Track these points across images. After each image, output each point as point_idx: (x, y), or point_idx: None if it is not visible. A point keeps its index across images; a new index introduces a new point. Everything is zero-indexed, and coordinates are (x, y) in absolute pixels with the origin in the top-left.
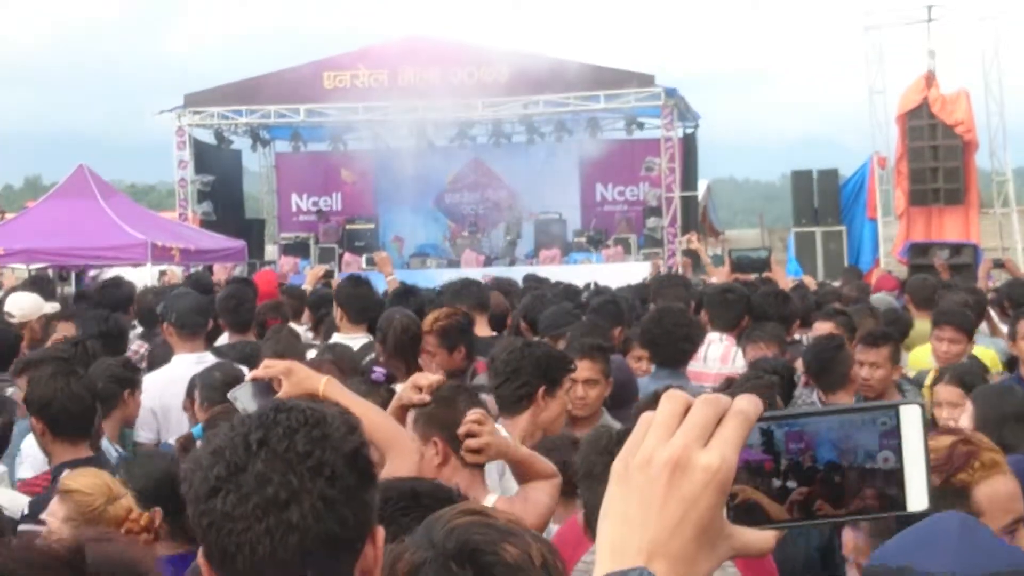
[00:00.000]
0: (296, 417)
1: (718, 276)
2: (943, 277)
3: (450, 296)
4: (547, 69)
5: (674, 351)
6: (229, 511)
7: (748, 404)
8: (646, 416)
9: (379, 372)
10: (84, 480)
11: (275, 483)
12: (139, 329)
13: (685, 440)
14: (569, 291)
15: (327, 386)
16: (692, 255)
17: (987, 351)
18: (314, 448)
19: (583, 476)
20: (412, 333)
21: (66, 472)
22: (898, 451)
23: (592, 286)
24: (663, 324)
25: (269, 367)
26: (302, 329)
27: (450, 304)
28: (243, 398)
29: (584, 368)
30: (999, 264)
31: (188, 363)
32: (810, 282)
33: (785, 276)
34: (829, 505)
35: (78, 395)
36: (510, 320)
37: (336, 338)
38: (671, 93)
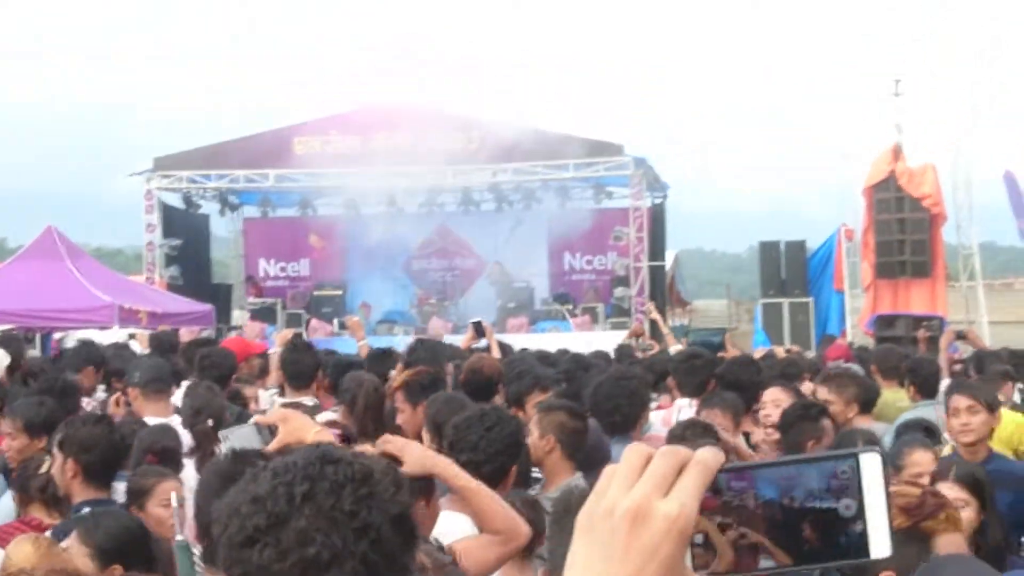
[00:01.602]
0: (343, 471)
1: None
2: (921, 350)
3: (420, 356)
4: (516, 137)
5: (618, 417)
6: (265, 564)
7: (708, 455)
8: (609, 469)
9: (334, 433)
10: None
11: (318, 543)
12: (101, 394)
13: (645, 490)
14: (544, 358)
15: (317, 435)
16: (651, 324)
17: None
18: (361, 508)
19: (550, 535)
20: (380, 395)
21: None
22: (859, 498)
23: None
24: (601, 392)
25: (269, 415)
26: (269, 393)
27: (423, 363)
28: (235, 440)
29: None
30: (961, 336)
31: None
32: (780, 352)
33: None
34: (792, 553)
35: (115, 444)
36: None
37: (281, 402)
38: (640, 163)
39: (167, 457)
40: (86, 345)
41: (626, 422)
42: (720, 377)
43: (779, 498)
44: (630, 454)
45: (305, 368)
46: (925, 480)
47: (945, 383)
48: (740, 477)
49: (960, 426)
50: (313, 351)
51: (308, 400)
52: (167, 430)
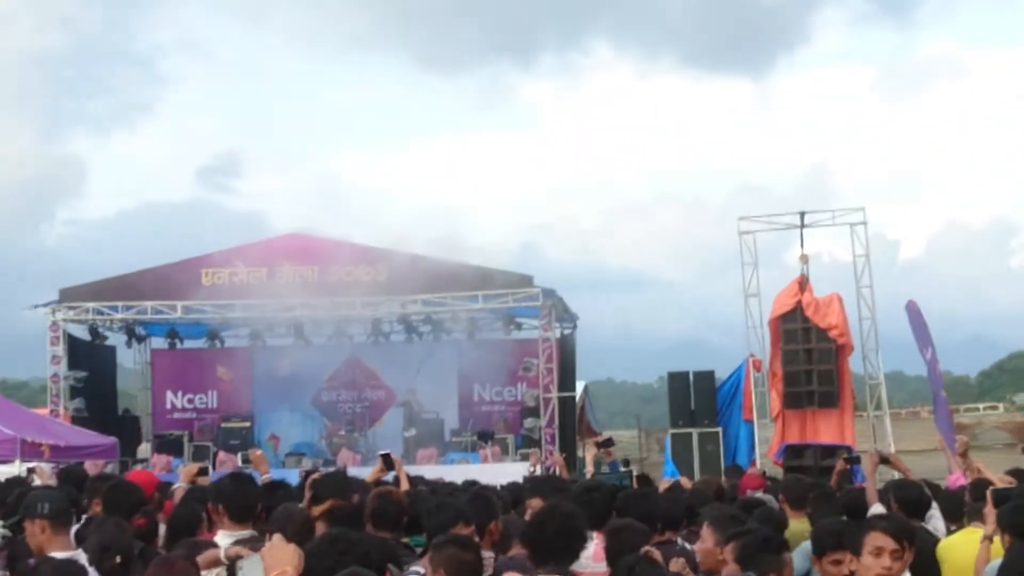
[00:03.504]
0: None
1: None
2: (833, 481)
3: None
4: (425, 269)
5: (557, 550)
6: None
7: None
8: None
9: None
10: None
11: None
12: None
13: None
14: (451, 489)
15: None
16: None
17: None
18: None
19: None
20: (310, 526)
21: None
22: None
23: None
24: (548, 523)
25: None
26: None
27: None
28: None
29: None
30: (883, 459)
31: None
32: (686, 483)
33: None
34: None
35: None
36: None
37: (219, 536)
38: (549, 294)
39: None
40: None
41: (570, 555)
42: (619, 510)
43: None
44: None
45: (245, 500)
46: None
47: (875, 509)
48: None
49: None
50: (254, 483)
51: (247, 534)
52: (73, 565)
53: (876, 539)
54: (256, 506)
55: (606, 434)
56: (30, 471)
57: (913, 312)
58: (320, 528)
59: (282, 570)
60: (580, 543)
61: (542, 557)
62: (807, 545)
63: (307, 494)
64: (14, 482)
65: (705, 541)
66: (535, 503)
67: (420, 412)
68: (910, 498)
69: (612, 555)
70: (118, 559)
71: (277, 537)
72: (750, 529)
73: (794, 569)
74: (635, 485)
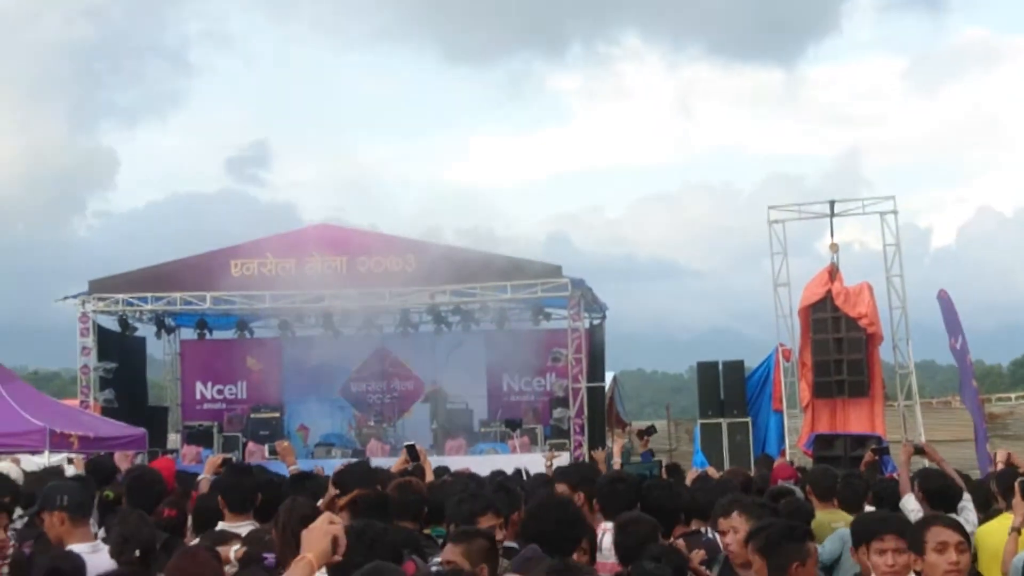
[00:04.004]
0: None
1: None
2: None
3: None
4: (454, 259)
5: (555, 542)
6: None
7: None
8: None
9: (270, 558)
10: None
11: None
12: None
13: None
14: (476, 480)
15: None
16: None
17: None
18: None
19: None
20: (309, 519)
21: None
22: None
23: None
24: (541, 516)
25: None
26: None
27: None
28: None
29: (454, 552)
30: (918, 449)
31: (84, 554)
32: (713, 473)
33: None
34: None
35: None
36: None
37: (221, 527)
38: (578, 284)
39: None
40: None
41: (567, 547)
42: (643, 500)
43: None
44: None
45: (243, 491)
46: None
47: (907, 500)
48: None
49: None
50: (252, 474)
51: (248, 526)
52: (69, 555)
53: (939, 534)
54: (255, 497)
55: (636, 424)
56: (69, 461)
57: (944, 301)
58: (345, 519)
59: (304, 555)
60: (579, 532)
61: (545, 548)
62: (845, 531)
63: (331, 487)
64: (52, 471)
65: (740, 531)
66: (561, 491)
67: (446, 403)
68: (935, 488)
69: (621, 549)
70: (137, 552)
71: (319, 519)
72: (772, 521)
73: (829, 554)
74: (664, 475)
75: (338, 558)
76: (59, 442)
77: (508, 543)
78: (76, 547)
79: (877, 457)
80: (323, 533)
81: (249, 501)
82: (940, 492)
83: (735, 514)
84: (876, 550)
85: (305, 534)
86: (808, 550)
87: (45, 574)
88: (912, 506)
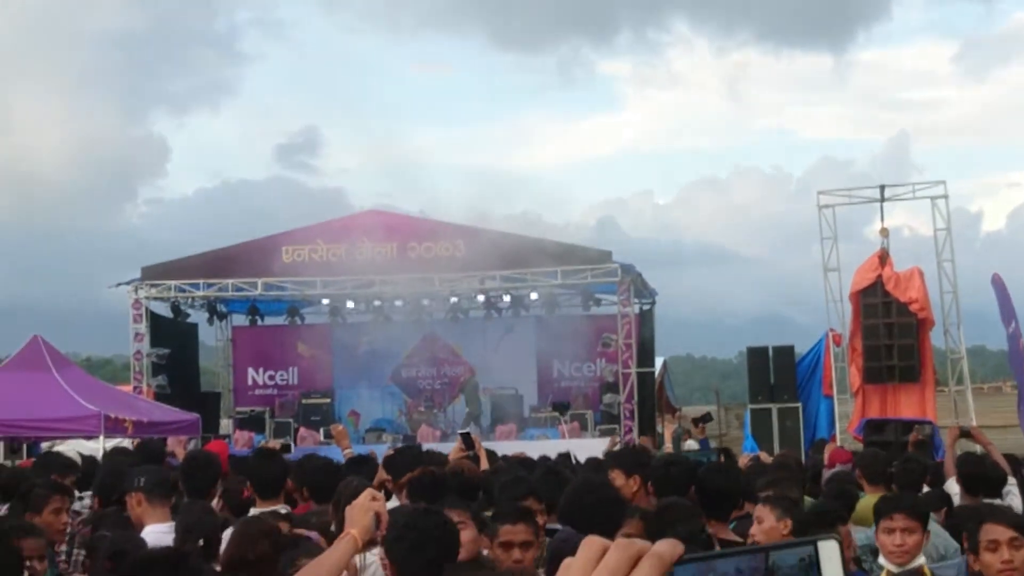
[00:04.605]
0: None
1: None
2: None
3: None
4: (504, 245)
5: (593, 524)
6: None
7: (664, 547)
8: (567, 562)
9: (315, 536)
10: None
11: None
12: (85, 500)
13: None
14: (525, 464)
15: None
16: (652, 432)
17: None
18: None
19: None
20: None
21: None
22: None
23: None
24: (585, 497)
25: None
26: None
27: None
28: None
29: (519, 531)
30: (965, 433)
31: (160, 533)
32: (765, 458)
33: None
34: None
35: None
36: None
37: (252, 513)
38: (627, 269)
39: None
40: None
41: (604, 530)
42: (700, 484)
43: None
44: (585, 548)
45: (271, 476)
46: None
47: (950, 484)
48: (700, 567)
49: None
50: (279, 458)
51: (281, 508)
52: (132, 537)
53: (989, 532)
54: (283, 481)
55: (687, 410)
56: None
57: (998, 285)
58: (402, 498)
59: (348, 532)
60: (617, 514)
61: (585, 531)
62: None
63: (381, 471)
64: (120, 451)
65: (764, 521)
66: (616, 476)
67: (477, 390)
68: (973, 473)
69: (652, 536)
70: (201, 541)
71: (362, 496)
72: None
73: (872, 539)
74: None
75: (380, 533)
76: (113, 427)
77: (551, 525)
78: (153, 527)
79: (919, 437)
80: (366, 510)
81: (276, 486)
82: (978, 477)
83: (760, 505)
84: (884, 529)
85: (348, 511)
86: (839, 534)
87: (109, 556)
88: (955, 490)
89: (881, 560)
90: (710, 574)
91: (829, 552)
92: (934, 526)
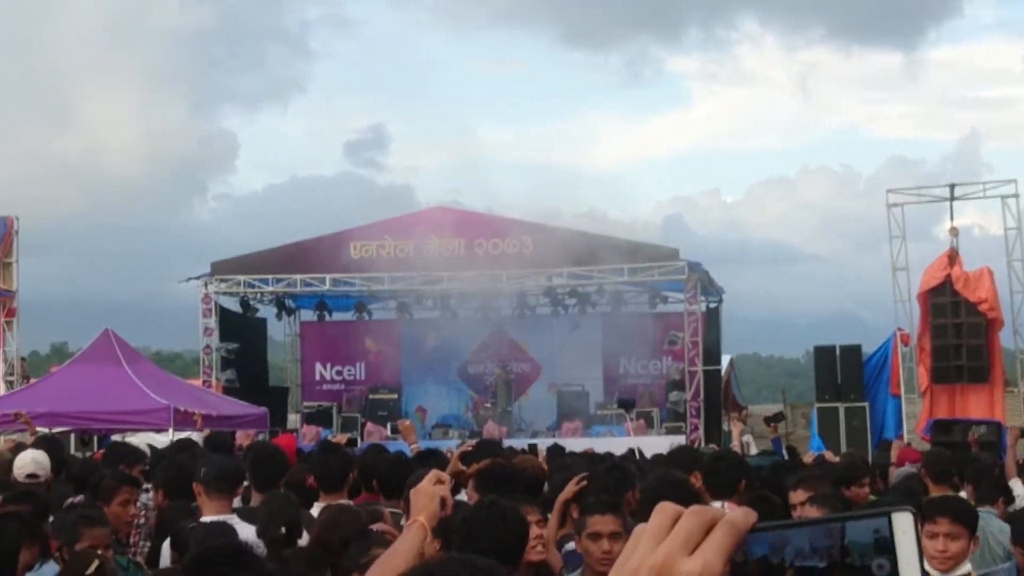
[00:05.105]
0: None
1: None
2: (974, 451)
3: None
4: (571, 242)
5: None
6: None
7: (738, 515)
8: (639, 528)
9: (379, 527)
10: None
11: None
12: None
13: (670, 549)
14: (594, 459)
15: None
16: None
17: None
18: None
19: None
20: None
21: None
22: (892, 558)
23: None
24: (662, 492)
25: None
26: None
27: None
28: None
29: (608, 522)
30: None
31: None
32: (831, 457)
33: None
34: None
35: None
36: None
37: (316, 507)
38: (694, 267)
39: None
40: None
41: None
42: (749, 477)
43: (833, 568)
44: (657, 514)
45: (334, 470)
46: None
47: (1013, 484)
48: (772, 536)
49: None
50: (343, 452)
51: (345, 502)
52: (223, 525)
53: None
54: (346, 475)
55: (754, 408)
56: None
57: None
58: (470, 487)
59: (414, 519)
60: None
61: None
62: None
63: (456, 463)
64: (184, 444)
65: (797, 511)
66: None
67: (510, 390)
68: None
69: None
70: (283, 529)
71: (425, 480)
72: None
73: None
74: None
75: (447, 512)
76: (183, 421)
77: None
78: (208, 519)
79: (976, 437)
80: (431, 495)
81: (341, 480)
82: None
83: (808, 505)
84: (927, 533)
85: (412, 495)
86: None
87: (174, 546)
88: (1019, 490)
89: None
90: (784, 547)
91: (904, 524)
92: (997, 522)
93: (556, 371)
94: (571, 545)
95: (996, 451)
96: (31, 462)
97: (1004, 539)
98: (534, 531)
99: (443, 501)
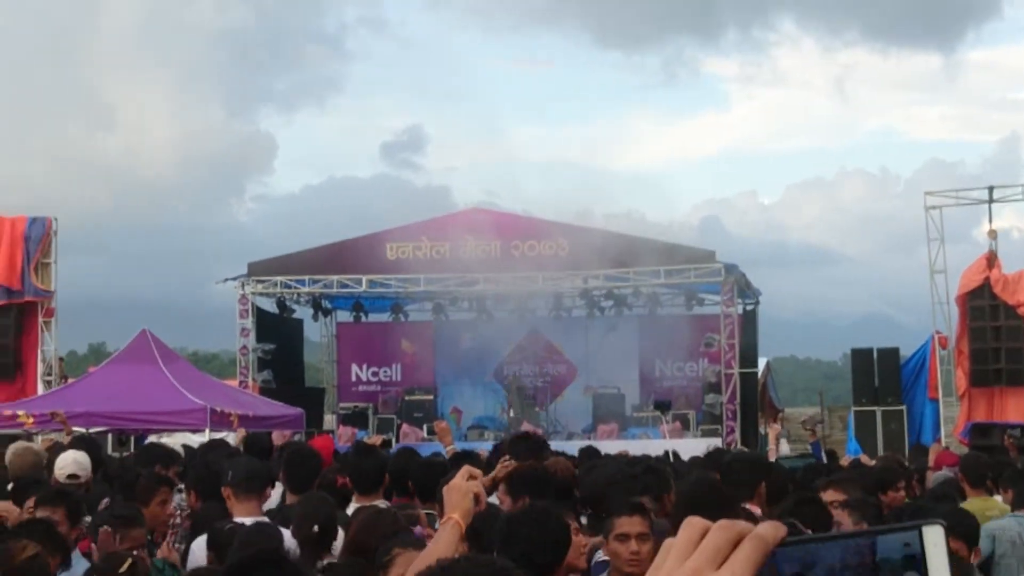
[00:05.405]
0: None
1: None
2: (1011, 455)
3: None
4: (607, 244)
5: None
6: None
7: (767, 529)
8: (667, 542)
9: (417, 530)
10: None
11: None
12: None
13: (697, 564)
14: (630, 462)
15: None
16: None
17: None
18: None
19: None
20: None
21: None
22: (923, 571)
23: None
24: (698, 494)
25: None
26: None
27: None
28: None
29: (636, 523)
30: None
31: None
32: (867, 460)
33: None
34: None
35: None
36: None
37: (351, 509)
38: (731, 269)
39: None
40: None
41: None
42: (801, 482)
43: (843, 574)
44: (686, 529)
45: (369, 472)
46: None
47: None
48: (802, 551)
49: None
50: (377, 453)
51: (380, 503)
52: (268, 526)
53: None
54: (381, 477)
55: (790, 410)
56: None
57: None
58: (501, 490)
59: (449, 517)
60: (730, 512)
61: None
62: (997, 525)
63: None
64: (216, 444)
65: (842, 526)
66: None
67: (522, 396)
68: None
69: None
70: (316, 528)
71: (458, 476)
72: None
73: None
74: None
75: (481, 507)
76: (219, 421)
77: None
78: (250, 520)
79: (1012, 441)
80: (464, 492)
81: (376, 482)
82: None
83: (839, 510)
84: None
85: (446, 492)
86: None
87: (211, 547)
88: None
89: None
90: (814, 564)
91: (935, 537)
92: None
93: (592, 373)
94: (600, 555)
95: None
96: (72, 463)
97: None
98: (577, 539)
99: (476, 497)
